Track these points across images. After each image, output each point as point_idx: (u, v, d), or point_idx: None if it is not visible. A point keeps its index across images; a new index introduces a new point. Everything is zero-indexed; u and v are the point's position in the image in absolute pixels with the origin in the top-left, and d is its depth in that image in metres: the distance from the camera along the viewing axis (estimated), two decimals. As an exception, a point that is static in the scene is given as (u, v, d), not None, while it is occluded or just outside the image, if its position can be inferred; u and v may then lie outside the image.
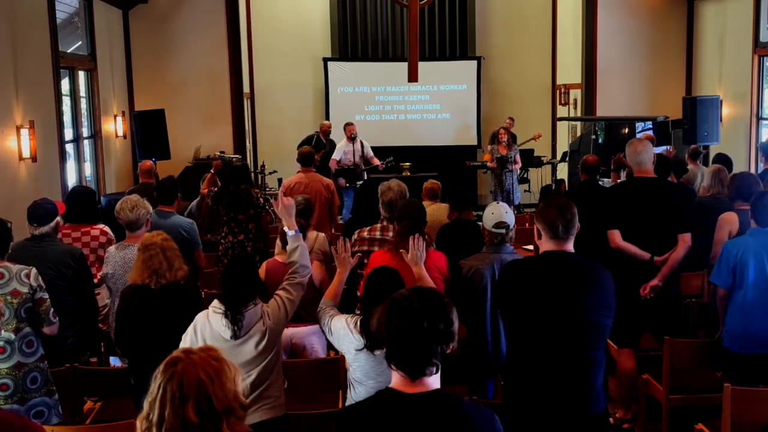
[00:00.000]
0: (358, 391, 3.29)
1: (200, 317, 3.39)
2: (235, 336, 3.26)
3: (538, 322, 3.09)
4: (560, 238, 3.15)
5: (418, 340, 2.02)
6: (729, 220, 4.95)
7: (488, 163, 10.40)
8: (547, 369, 3.08)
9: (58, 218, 4.57)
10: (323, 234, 5.60)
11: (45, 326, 3.87)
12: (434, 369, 2.06)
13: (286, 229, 3.69)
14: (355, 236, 4.82)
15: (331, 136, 10.86)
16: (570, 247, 3.18)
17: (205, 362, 1.89)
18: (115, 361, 4.94)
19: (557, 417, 3.08)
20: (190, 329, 3.38)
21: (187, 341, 3.35)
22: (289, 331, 4.52)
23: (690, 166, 7.53)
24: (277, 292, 3.52)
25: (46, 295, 3.87)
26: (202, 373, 1.86)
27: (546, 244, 3.20)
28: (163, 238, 3.86)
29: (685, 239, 4.59)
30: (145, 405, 1.88)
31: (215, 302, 3.36)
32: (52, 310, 3.90)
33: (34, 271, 3.85)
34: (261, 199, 6.34)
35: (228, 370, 1.90)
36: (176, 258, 3.82)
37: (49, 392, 3.86)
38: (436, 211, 5.97)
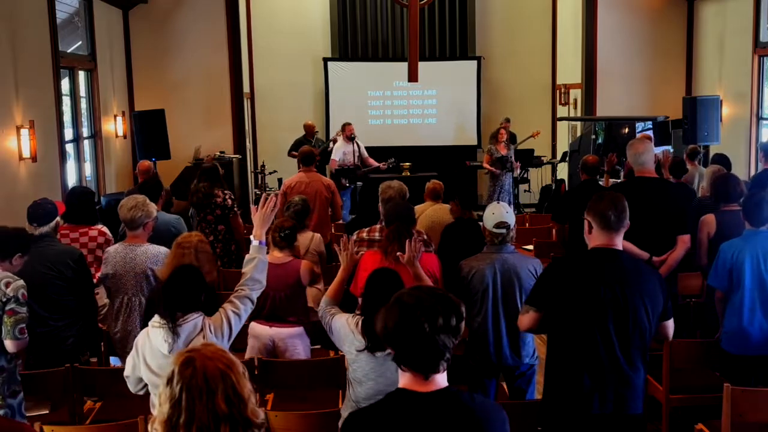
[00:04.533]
0: (357, 391, 3.30)
1: (141, 335, 3.25)
2: (172, 349, 3.06)
3: (586, 320, 3.11)
4: (611, 229, 3.18)
5: (433, 337, 2.02)
6: (707, 222, 4.92)
7: (484, 164, 10.37)
8: (592, 367, 3.10)
9: (58, 218, 4.57)
10: (319, 235, 5.61)
11: (6, 338, 3.69)
12: (446, 365, 2.07)
13: (252, 237, 3.53)
14: (353, 237, 4.82)
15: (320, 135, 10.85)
16: (619, 242, 3.21)
17: (217, 354, 1.92)
18: (115, 361, 4.94)
19: (599, 416, 3.10)
20: (132, 350, 3.26)
21: (129, 362, 3.26)
22: (272, 331, 4.51)
23: (688, 167, 7.53)
24: (223, 305, 3.36)
25: (21, 310, 3.71)
26: (220, 365, 1.89)
27: (596, 238, 3.22)
28: (199, 240, 3.83)
29: (685, 240, 4.59)
30: (165, 409, 1.87)
31: (155, 317, 3.21)
32: (21, 326, 3.71)
33: (18, 283, 3.73)
34: (229, 200, 6.35)
35: (235, 359, 1.94)
36: (207, 262, 3.76)
37: (13, 393, 3.78)
38: (438, 211, 5.96)
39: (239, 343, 4.53)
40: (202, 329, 3.16)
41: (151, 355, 3.15)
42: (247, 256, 3.50)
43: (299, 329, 4.53)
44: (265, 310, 4.52)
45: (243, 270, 3.47)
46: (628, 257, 3.25)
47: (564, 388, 3.19)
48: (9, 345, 3.71)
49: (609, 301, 3.09)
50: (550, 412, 3.27)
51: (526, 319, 3.38)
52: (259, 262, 3.44)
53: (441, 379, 2.08)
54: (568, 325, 3.17)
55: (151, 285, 4.43)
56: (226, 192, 6.43)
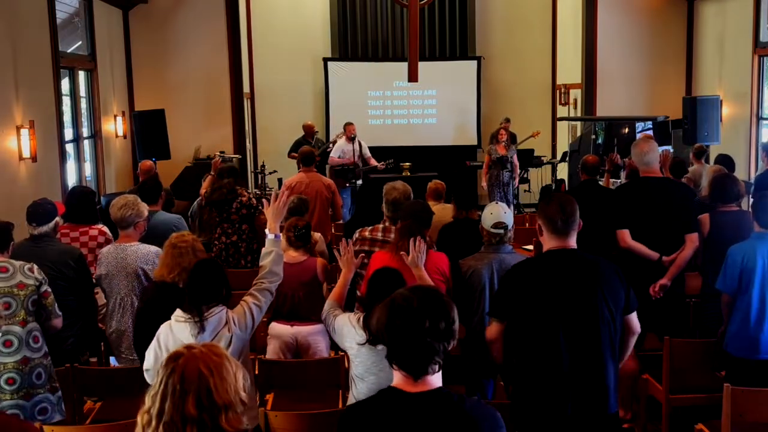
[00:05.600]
0: (359, 388, 3.30)
1: (163, 328, 3.30)
2: (198, 339, 3.14)
3: (549, 322, 3.08)
4: (560, 233, 3.15)
5: (420, 339, 2.02)
6: (701, 222, 4.91)
7: (484, 166, 10.33)
8: (562, 369, 3.07)
9: (58, 218, 4.57)
10: (319, 234, 5.61)
11: (52, 318, 3.94)
12: (436, 367, 2.06)
13: (267, 231, 3.60)
14: (356, 235, 4.82)
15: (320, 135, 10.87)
16: (572, 243, 3.19)
17: (207, 357, 1.91)
18: (115, 361, 4.94)
19: (573, 418, 3.07)
20: (153, 342, 3.30)
21: (151, 354, 3.29)
22: (294, 330, 4.54)
23: (695, 165, 7.55)
24: (244, 297, 3.43)
25: (49, 289, 3.92)
26: (203, 367, 1.88)
27: (548, 241, 3.21)
28: (194, 239, 3.86)
29: (693, 239, 4.60)
30: (147, 399, 1.90)
31: (177, 311, 3.27)
32: (56, 303, 3.96)
33: (35, 266, 3.92)
34: (254, 200, 6.35)
35: (229, 366, 1.93)
36: None
37: (52, 389, 3.88)
38: (440, 211, 5.96)
39: (255, 343, 4.57)
40: (227, 322, 3.25)
41: (174, 347, 3.13)
42: (263, 250, 3.57)
43: (320, 326, 4.53)
44: (285, 310, 4.55)
45: (261, 263, 3.54)
46: (584, 255, 3.20)
47: (535, 393, 3.13)
48: (57, 323, 3.98)
49: (570, 302, 3.06)
50: (526, 416, 3.20)
51: (490, 330, 3.32)
52: (275, 255, 3.52)
53: (433, 380, 2.07)
54: (532, 330, 3.12)
55: (143, 285, 4.42)
56: (248, 191, 6.45)
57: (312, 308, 4.53)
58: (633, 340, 3.29)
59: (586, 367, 3.06)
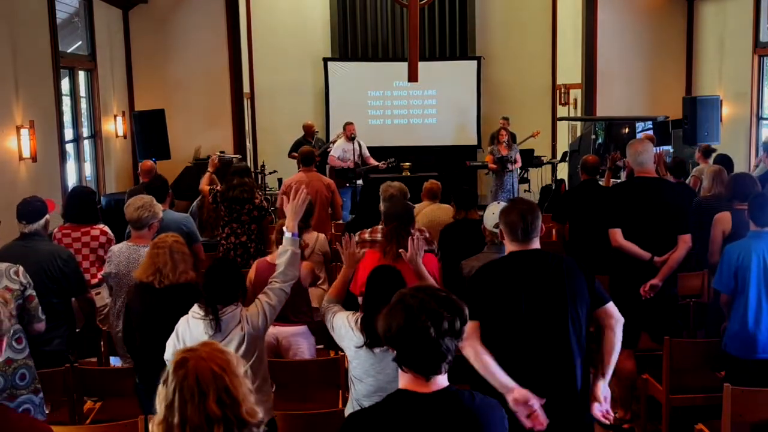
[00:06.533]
0: (358, 389, 3.29)
1: (182, 322, 3.38)
2: (212, 337, 3.20)
3: (516, 322, 3.06)
4: (520, 241, 3.17)
5: (438, 340, 2.01)
6: (721, 220, 4.92)
7: (489, 164, 10.37)
8: (530, 368, 3.04)
9: (48, 216, 4.54)
10: (323, 235, 5.61)
11: (35, 323, 3.88)
12: (447, 366, 2.07)
13: (284, 229, 3.61)
14: (355, 238, 4.81)
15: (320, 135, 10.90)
16: (535, 245, 3.19)
17: (212, 355, 1.91)
18: (115, 361, 4.94)
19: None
20: (173, 335, 3.38)
21: (170, 346, 3.36)
22: (274, 330, 4.51)
23: (701, 164, 7.56)
24: (258, 296, 3.47)
25: (34, 293, 3.89)
26: (214, 366, 1.88)
27: (510, 246, 3.23)
28: (174, 240, 3.86)
29: (686, 240, 4.59)
30: (160, 409, 1.87)
31: (194, 307, 3.34)
32: (40, 307, 3.91)
33: (21, 269, 3.87)
34: (265, 202, 6.36)
35: (233, 359, 1.94)
36: (182, 261, 3.80)
37: (35, 390, 3.81)
38: (435, 211, 5.97)
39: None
40: (240, 321, 3.31)
41: (191, 343, 3.19)
42: (280, 248, 3.59)
43: (303, 327, 4.55)
44: None
45: (276, 262, 3.57)
46: (548, 254, 3.20)
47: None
48: (39, 327, 3.92)
49: (537, 300, 3.05)
50: None
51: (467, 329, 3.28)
52: (291, 254, 3.54)
53: (442, 380, 2.08)
54: (500, 331, 3.09)
55: None
56: (259, 192, 6.48)
57: (295, 310, 4.52)
58: (619, 328, 3.21)
59: (553, 366, 3.04)
